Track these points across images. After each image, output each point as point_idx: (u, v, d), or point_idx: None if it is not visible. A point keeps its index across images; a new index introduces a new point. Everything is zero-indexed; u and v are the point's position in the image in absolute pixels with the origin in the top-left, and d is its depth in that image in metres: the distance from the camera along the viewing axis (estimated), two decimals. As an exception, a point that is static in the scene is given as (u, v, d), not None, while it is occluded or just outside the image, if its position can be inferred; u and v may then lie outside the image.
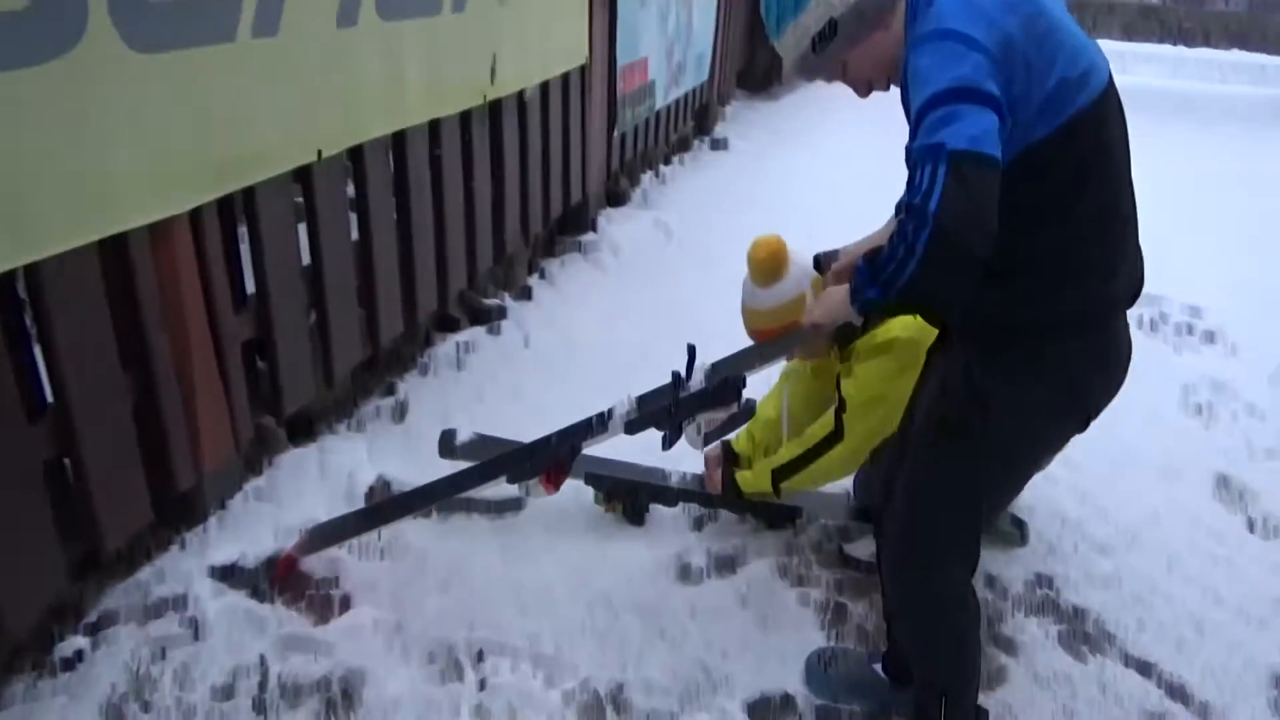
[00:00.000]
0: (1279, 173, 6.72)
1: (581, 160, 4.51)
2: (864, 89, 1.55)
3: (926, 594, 1.68)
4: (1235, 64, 11.35)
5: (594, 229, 4.71)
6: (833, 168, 5.88)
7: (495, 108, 3.57)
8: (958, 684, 1.74)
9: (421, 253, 3.25)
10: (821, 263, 2.29)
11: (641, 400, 2.12)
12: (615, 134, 4.89)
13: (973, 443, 1.55)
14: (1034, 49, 1.32)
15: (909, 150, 1.31)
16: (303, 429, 2.90)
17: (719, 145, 6.56)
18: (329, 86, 2.56)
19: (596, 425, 2.10)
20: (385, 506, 2.31)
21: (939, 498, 1.61)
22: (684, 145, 6.45)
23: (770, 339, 2.16)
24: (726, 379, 1.97)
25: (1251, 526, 2.72)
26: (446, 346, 3.49)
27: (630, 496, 2.57)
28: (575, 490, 2.61)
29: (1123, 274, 1.46)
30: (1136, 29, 11.66)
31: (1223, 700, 2.10)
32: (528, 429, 2.92)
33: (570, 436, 2.14)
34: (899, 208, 1.30)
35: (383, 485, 2.68)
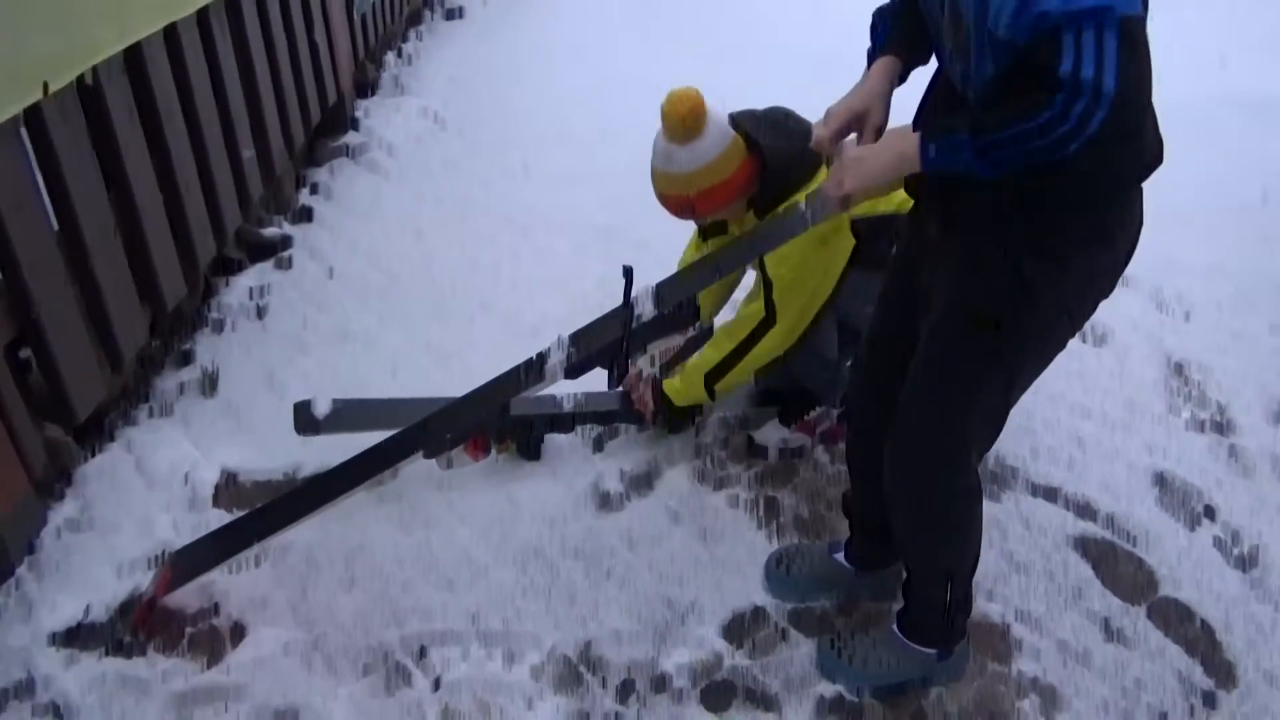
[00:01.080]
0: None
1: (329, 50, 3.92)
2: None
3: (947, 487, 1.62)
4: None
5: (355, 128, 4.16)
6: (588, 30, 5.53)
7: (233, 3, 2.96)
8: (963, 566, 1.73)
9: (188, 189, 2.68)
10: (739, 123, 2.09)
11: (580, 337, 1.87)
12: (355, 15, 4.29)
13: (1015, 334, 1.46)
14: None
15: (1047, 14, 1.12)
16: (93, 430, 2.37)
17: (454, 14, 5.99)
18: (41, 1, 1.96)
19: (528, 375, 1.83)
20: (271, 512, 1.91)
21: (974, 392, 1.52)
22: (416, 19, 5.83)
23: (732, 243, 1.94)
24: (682, 303, 1.76)
25: (1083, 337, 2.93)
26: (236, 294, 2.98)
27: (523, 431, 2.33)
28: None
29: (1154, 124, 1.38)
30: None
31: (1121, 508, 2.27)
32: (376, 378, 2.60)
33: (495, 393, 1.86)
34: (1058, 82, 1.12)
35: (231, 481, 2.26)
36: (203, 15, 2.74)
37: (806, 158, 2.08)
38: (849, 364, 2.49)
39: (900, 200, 2.24)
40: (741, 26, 5.53)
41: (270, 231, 3.29)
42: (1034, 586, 2.06)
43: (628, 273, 1.95)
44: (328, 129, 4.08)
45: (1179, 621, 2.01)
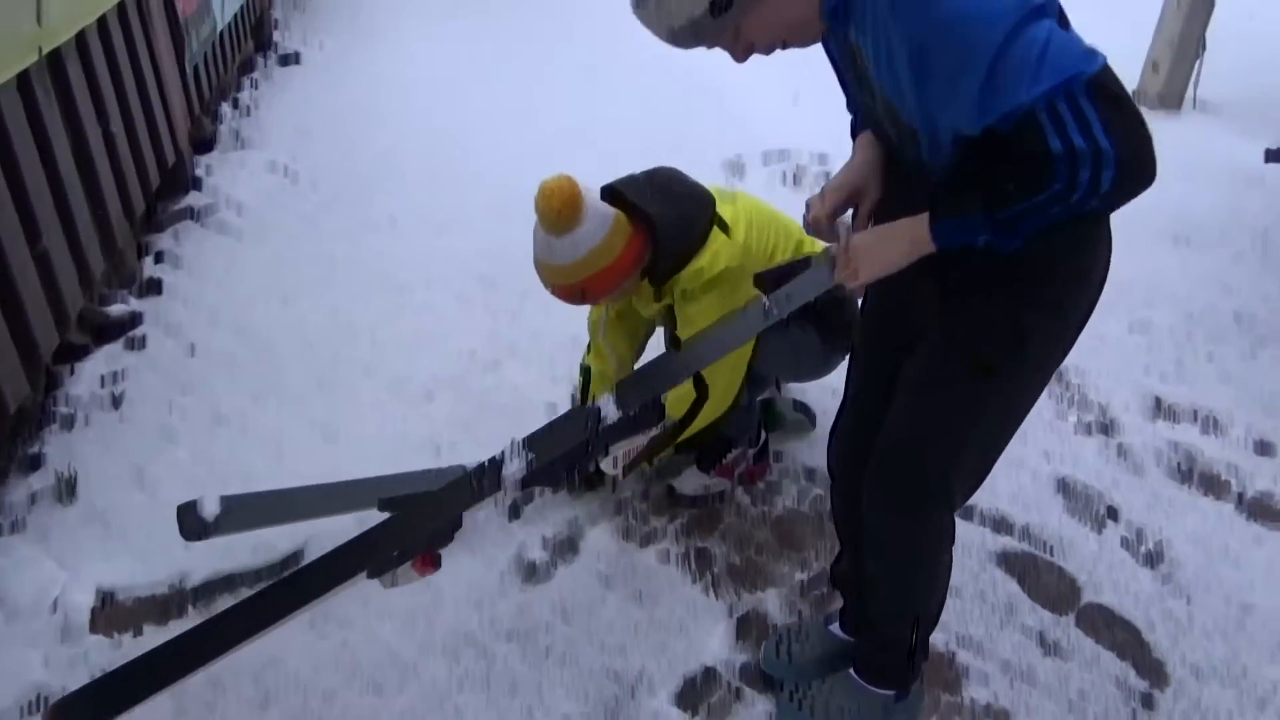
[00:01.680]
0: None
1: (164, 108, 3.64)
2: (744, 54, 1.32)
3: (930, 531, 1.60)
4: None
5: (198, 187, 3.88)
6: (438, 66, 5.40)
7: (55, 61, 2.69)
8: (932, 607, 1.71)
9: (21, 271, 2.40)
10: (622, 193, 2.02)
11: (538, 441, 1.74)
12: (188, 66, 4.01)
13: (1010, 377, 1.45)
14: None
15: (1019, 104, 1.15)
16: (-69, 557, 2.07)
17: (290, 60, 5.71)
18: None
19: (483, 484, 1.69)
20: (178, 650, 1.63)
21: (964, 435, 1.49)
22: (249, 66, 5.53)
23: (701, 334, 1.83)
24: (646, 403, 1.68)
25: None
26: (85, 383, 2.68)
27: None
28: (358, 522, 2.17)
29: None
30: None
31: (1033, 518, 2.34)
32: (260, 464, 2.41)
33: (445, 504, 1.71)
34: (1041, 157, 1.16)
35: (109, 601, 2.01)
36: (24, 80, 2.47)
37: (699, 222, 2.04)
38: (760, 399, 2.48)
39: (797, 245, 2.24)
40: (590, 45, 5.53)
41: (116, 309, 3.00)
42: (969, 610, 2.08)
43: (585, 371, 1.87)
44: (167, 191, 3.78)
45: (1106, 626, 2.07)
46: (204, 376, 2.75)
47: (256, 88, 5.25)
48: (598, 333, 2.38)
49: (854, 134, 1.56)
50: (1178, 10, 4.87)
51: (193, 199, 3.77)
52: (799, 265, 2.21)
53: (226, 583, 2.07)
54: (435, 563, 1.66)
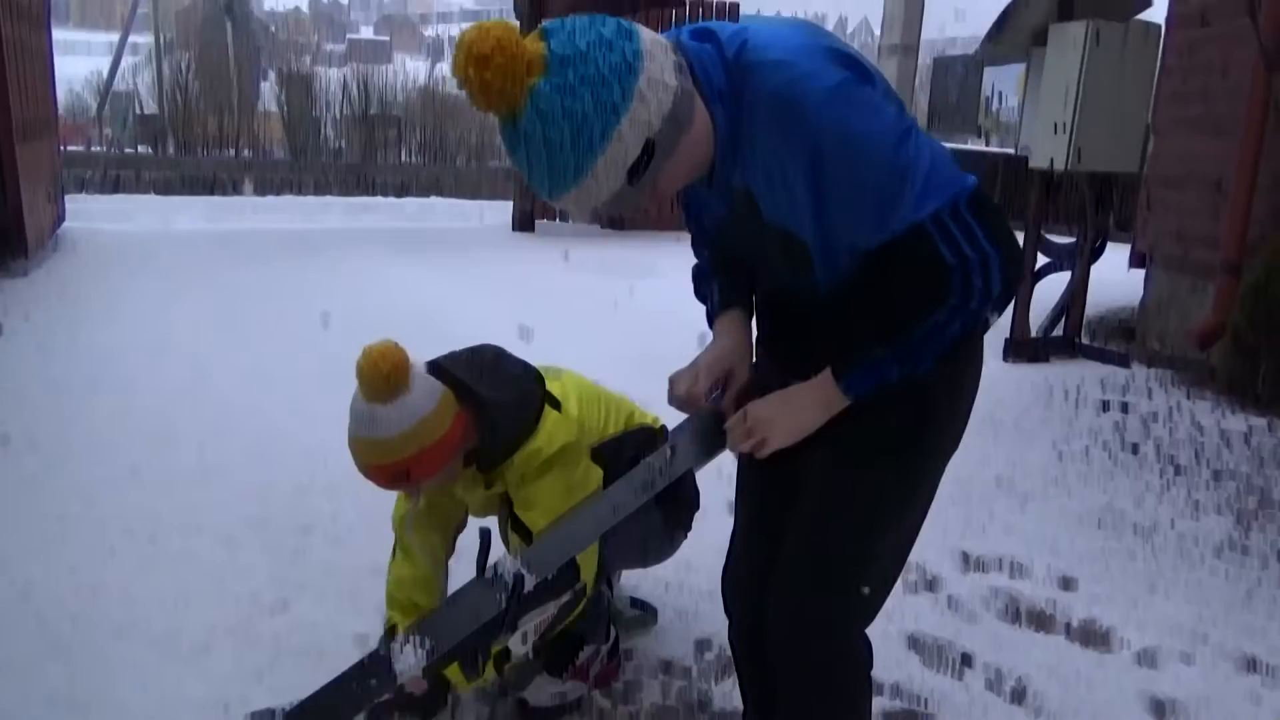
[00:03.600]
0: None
1: None
2: (654, 203, 1.30)
3: (846, 652, 1.45)
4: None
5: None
6: (168, 329, 5.07)
7: None
8: None
9: None
10: (448, 371, 1.87)
11: (434, 627, 1.44)
12: None
13: (912, 461, 1.40)
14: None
15: (910, 222, 1.18)
16: None
17: (-22, 330, 5.12)
18: None
19: (371, 684, 1.37)
20: None
21: (873, 536, 1.40)
22: (-64, 341, 4.88)
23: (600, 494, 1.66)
24: (562, 565, 1.47)
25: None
26: None
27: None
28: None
29: None
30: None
31: (899, 675, 2.25)
32: None
33: (327, 712, 1.35)
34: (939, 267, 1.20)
35: None
36: None
37: (531, 403, 1.92)
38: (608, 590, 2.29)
39: (627, 417, 2.19)
40: (314, 300, 5.44)
41: None
42: (869, 776, 1.92)
43: (484, 535, 1.63)
44: None
45: (1002, 768, 1.98)
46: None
47: (-56, 362, 4.61)
48: (405, 530, 2.12)
49: (710, 320, 1.57)
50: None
51: None
52: (634, 435, 2.16)
53: None
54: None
